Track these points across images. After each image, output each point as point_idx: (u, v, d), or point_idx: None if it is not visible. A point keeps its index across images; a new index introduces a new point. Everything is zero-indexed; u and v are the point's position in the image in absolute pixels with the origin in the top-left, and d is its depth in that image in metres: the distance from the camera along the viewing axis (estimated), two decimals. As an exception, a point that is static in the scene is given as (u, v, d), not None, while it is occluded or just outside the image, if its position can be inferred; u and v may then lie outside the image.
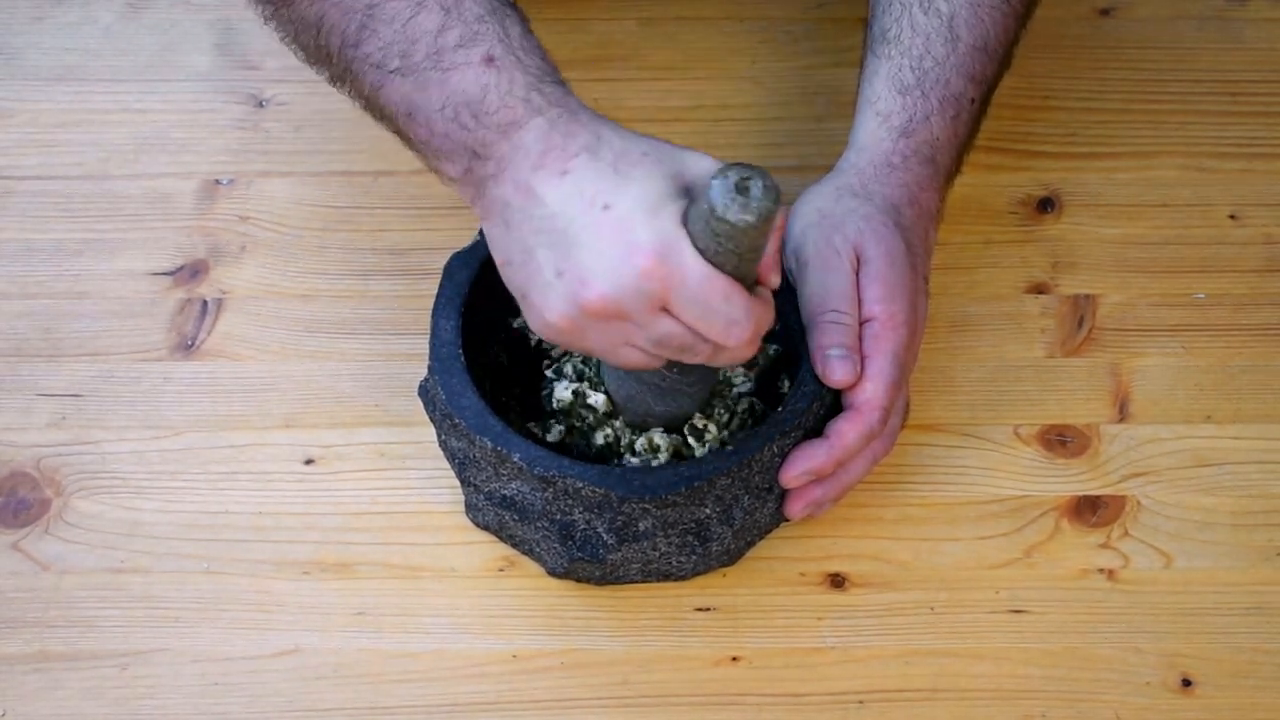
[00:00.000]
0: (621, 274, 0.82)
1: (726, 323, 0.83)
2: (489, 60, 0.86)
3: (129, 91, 1.17)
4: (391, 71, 0.87)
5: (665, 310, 0.83)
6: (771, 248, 0.83)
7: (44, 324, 1.06)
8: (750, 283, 0.84)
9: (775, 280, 0.85)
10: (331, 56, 0.90)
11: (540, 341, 1.00)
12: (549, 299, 0.85)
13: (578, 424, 0.97)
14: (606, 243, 0.82)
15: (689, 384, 0.92)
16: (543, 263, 0.84)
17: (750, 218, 0.79)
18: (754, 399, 0.98)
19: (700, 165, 0.83)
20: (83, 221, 1.10)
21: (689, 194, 0.82)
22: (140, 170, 1.13)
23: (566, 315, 0.84)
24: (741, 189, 0.78)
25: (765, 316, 0.84)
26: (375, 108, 0.90)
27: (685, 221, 0.81)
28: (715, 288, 0.82)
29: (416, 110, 0.87)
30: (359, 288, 1.07)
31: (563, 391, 0.96)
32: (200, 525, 0.98)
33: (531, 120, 0.85)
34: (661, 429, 0.95)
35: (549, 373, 0.98)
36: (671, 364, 0.89)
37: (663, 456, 0.95)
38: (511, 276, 0.87)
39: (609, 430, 0.96)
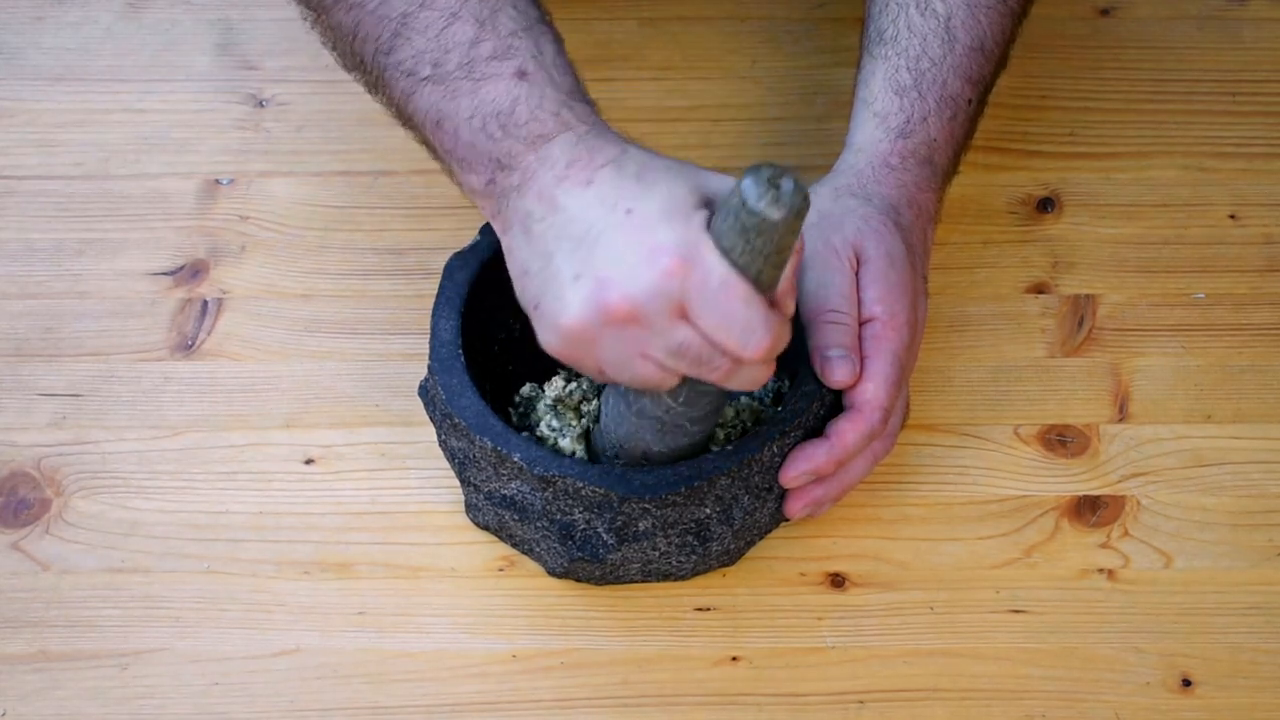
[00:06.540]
0: (643, 274, 0.80)
1: (744, 330, 0.81)
2: (521, 74, 0.86)
3: (129, 91, 1.17)
4: (423, 79, 0.87)
5: (683, 318, 0.82)
6: (790, 270, 0.82)
7: (44, 324, 1.06)
8: (769, 299, 0.82)
9: (790, 306, 0.84)
10: (365, 63, 0.90)
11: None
12: (566, 303, 0.83)
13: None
14: (628, 244, 0.81)
15: (691, 420, 0.90)
16: (560, 267, 0.83)
17: (782, 212, 0.78)
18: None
19: (723, 181, 0.82)
20: (83, 221, 1.10)
21: (710, 206, 0.82)
22: (140, 170, 1.13)
23: (583, 319, 0.82)
24: (773, 184, 0.78)
25: (783, 333, 0.83)
26: (405, 115, 0.90)
27: (709, 227, 0.81)
28: (736, 290, 0.80)
29: (445, 118, 0.87)
30: (359, 288, 1.07)
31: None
32: (200, 525, 0.98)
33: (560, 135, 0.85)
34: None
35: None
36: (678, 391, 0.87)
37: None
38: (527, 287, 0.85)
39: None
